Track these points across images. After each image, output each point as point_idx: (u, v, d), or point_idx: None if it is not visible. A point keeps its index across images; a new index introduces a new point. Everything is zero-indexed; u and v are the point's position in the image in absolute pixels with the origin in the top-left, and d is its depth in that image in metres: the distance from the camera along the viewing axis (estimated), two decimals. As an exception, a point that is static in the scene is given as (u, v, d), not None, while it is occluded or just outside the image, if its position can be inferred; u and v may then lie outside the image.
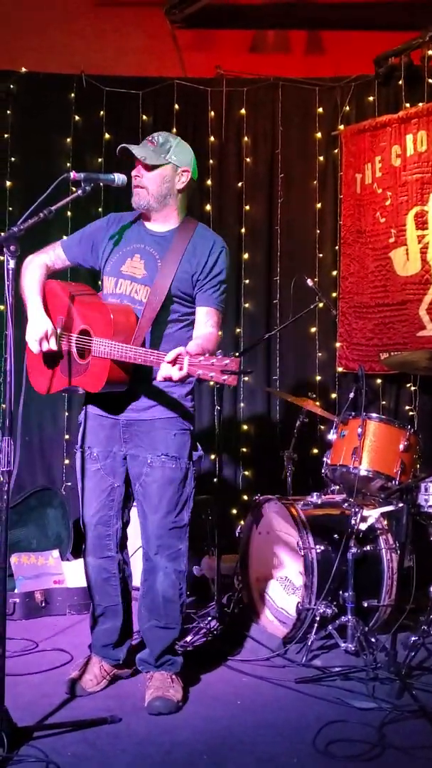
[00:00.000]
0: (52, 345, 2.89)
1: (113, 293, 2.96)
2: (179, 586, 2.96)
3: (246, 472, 5.24)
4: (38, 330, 2.87)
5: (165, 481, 2.92)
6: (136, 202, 2.97)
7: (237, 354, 2.86)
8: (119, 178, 2.88)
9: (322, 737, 2.58)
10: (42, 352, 2.90)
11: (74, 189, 2.84)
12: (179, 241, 2.93)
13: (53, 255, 3.12)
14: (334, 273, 5.21)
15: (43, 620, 3.89)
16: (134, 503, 3.07)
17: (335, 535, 3.53)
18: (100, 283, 3.14)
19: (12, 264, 2.50)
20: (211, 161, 5.33)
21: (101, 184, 2.89)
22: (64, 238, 3.27)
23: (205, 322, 2.95)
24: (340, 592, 3.42)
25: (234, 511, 5.06)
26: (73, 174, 2.75)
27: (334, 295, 5.18)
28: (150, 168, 2.92)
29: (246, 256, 5.32)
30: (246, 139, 5.34)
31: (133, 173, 2.95)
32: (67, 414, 5.11)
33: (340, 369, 5.15)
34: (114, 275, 2.97)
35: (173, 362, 2.54)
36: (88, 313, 2.91)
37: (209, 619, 3.73)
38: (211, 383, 2.86)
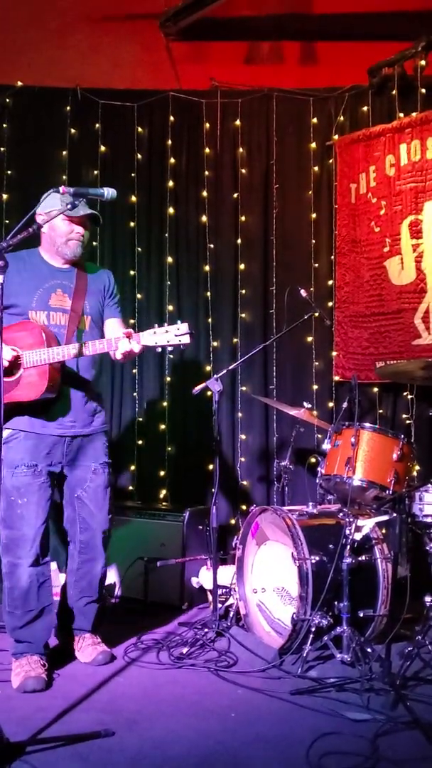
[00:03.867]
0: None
1: (49, 325, 3.30)
2: None
3: (244, 482, 5.24)
4: None
5: (105, 484, 3.47)
6: (77, 252, 3.38)
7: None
8: (109, 192, 2.91)
9: (316, 750, 2.57)
10: None
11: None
12: (80, 273, 3.43)
13: None
14: (330, 282, 5.22)
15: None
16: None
17: (330, 545, 3.52)
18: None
19: (0, 278, 2.51)
20: (206, 172, 5.37)
21: (93, 197, 2.95)
22: None
23: (119, 328, 3.43)
24: (336, 603, 3.41)
25: (232, 522, 5.06)
26: (62, 189, 2.78)
27: (330, 304, 5.19)
28: (89, 226, 3.41)
29: (242, 266, 5.34)
30: (241, 150, 5.37)
31: (78, 230, 3.34)
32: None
33: (336, 378, 5.15)
34: (44, 309, 3.31)
35: (129, 338, 3.05)
36: (9, 335, 3.17)
37: (206, 631, 3.73)
38: (169, 348, 3.36)
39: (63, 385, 3.28)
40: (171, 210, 5.37)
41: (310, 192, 5.30)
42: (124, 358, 3.19)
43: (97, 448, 3.45)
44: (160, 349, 3.24)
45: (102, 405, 3.54)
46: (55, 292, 3.33)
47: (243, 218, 5.36)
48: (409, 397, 4.89)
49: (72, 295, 3.36)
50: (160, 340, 3.07)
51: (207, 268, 5.36)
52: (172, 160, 5.39)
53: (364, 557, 3.53)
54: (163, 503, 5.12)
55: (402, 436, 3.69)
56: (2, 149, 5.25)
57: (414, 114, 4.87)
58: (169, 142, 5.38)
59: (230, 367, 4.38)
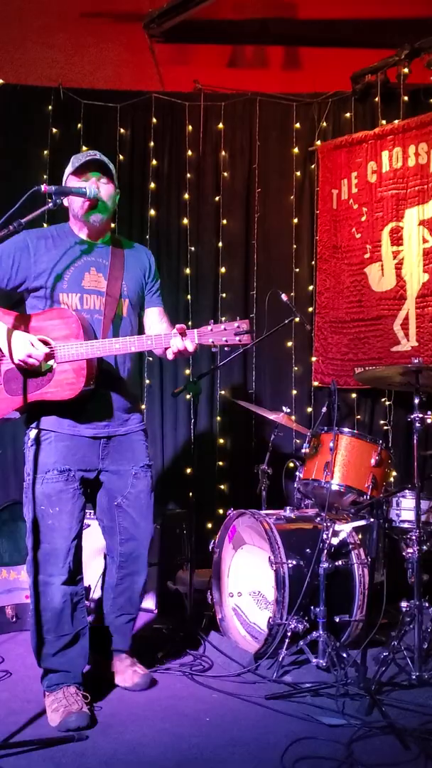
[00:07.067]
0: (41, 357, 2.77)
1: (82, 309, 2.95)
2: None
3: (222, 486, 5.23)
4: (25, 345, 2.75)
5: (148, 490, 3.13)
6: (99, 216, 3.00)
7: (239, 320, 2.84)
8: (91, 190, 2.90)
9: (290, 754, 2.56)
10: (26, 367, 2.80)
11: (50, 199, 2.85)
12: (116, 251, 3.08)
13: None
14: (311, 288, 5.24)
15: (13, 636, 3.85)
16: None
17: (307, 550, 3.51)
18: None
19: None
20: (188, 175, 5.36)
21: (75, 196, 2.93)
22: None
23: (160, 320, 3.20)
24: (312, 607, 3.41)
25: (209, 525, 5.04)
26: (44, 187, 2.75)
27: (310, 309, 5.21)
28: (110, 181, 3.06)
29: (223, 270, 5.34)
30: (223, 153, 5.37)
31: (94, 185, 2.97)
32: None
33: (315, 383, 5.17)
34: (77, 291, 2.96)
35: (183, 335, 2.73)
36: (38, 324, 2.85)
37: (181, 635, 3.71)
38: (226, 348, 2.82)
39: (98, 380, 2.91)
40: (152, 212, 5.36)
41: (291, 197, 5.32)
42: (175, 357, 2.87)
43: (136, 449, 3.10)
44: (216, 349, 2.94)
45: (138, 401, 3.24)
46: (89, 272, 2.98)
47: (224, 222, 5.36)
48: (387, 403, 4.92)
49: (108, 275, 3.00)
50: (217, 338, 2.71)
51: (188, 271, 5.35)
52: (154, 162, 5.38)
53: (340, 562, 3.52)
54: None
55: (380, 441, 3.70)
56: (-17, 147, 5.21)
57: (396, 121, 4.91)
58: (152, 143, 5.38)
59: (210, 371, 4.37)
